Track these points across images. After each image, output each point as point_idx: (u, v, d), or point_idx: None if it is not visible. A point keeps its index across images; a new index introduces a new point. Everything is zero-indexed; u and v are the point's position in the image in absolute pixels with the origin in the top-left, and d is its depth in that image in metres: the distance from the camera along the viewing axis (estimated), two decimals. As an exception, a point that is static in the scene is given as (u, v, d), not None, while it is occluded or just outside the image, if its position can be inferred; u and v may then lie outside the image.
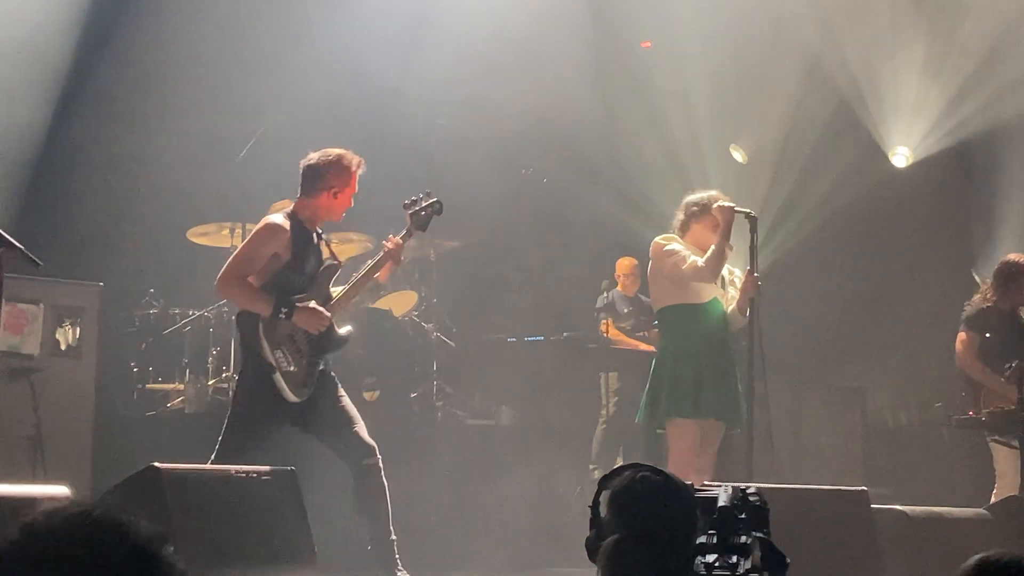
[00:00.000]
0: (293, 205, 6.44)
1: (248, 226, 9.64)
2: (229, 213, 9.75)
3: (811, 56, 11.22)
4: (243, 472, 5.61)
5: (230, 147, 10.20)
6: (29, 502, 4.74)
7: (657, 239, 7.47)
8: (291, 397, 6.21)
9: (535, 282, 11.19)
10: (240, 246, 6.53)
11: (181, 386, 9.38)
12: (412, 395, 9.82)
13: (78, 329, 8.23)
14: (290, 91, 10.46)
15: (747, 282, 7.40)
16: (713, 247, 7.23)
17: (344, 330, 6.49)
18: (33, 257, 5.45)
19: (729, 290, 7.53)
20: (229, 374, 9.35)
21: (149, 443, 8.45)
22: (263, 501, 5.55)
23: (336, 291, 6.53)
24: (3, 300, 5.38)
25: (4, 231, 5.50)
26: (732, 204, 7.35)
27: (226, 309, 9.52)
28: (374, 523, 6.26)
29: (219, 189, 10.01)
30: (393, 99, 10.59)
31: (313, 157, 6.43)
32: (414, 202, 6.65)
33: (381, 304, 9.88)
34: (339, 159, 6.38)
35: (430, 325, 10.08)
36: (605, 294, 10.70)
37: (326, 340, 6.34)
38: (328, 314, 6.30)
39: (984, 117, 11.12)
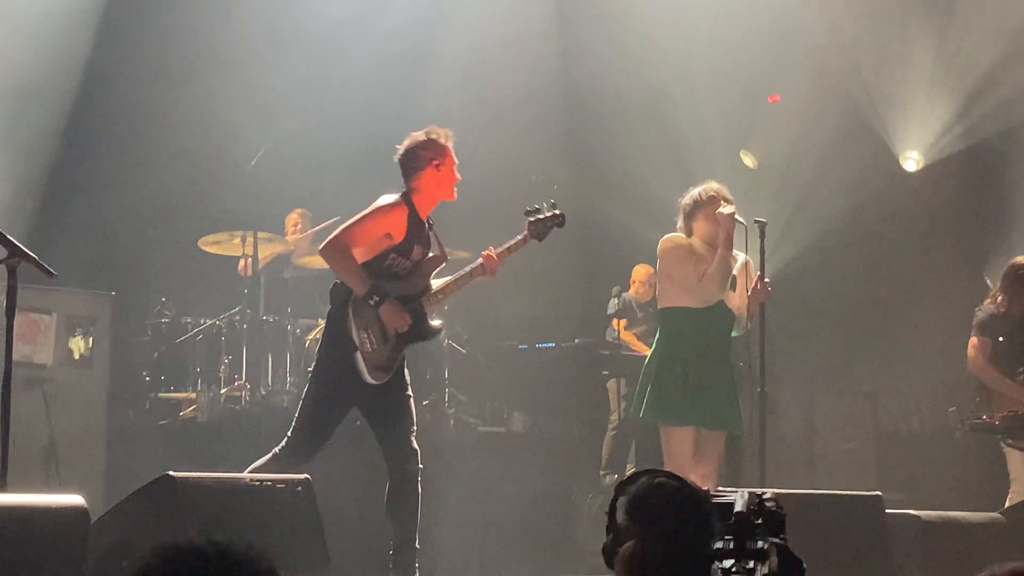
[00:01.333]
0: (404, 192, 6.45)
1: (260, 234, 9.70)
2: (240, 222, 9.77)
3: (821, 60, 11.22)
4: (258, 480, 5.62)
5: (241, 156, 10.22)
6: (43, 511, 4.75)
7: (665, 239, 7.36)
8: (368, 378, 6.24)
9: (545, 289, 11.18)
10: (357, 216, 6.42)
11: (193, 395, 9.39)
12: (424, 402, 9.82)
13: (90, 339, 8.27)
14: (301, 100, 10.48)
15: (757, 288, 7.36)
16: (716, 259, 7.16)
17: (436, 323, 6.58)
18: (47, 268, 5.47)
19: (738, 294, 7.44)
20: (241, 382, 9.36)
21: (161, 452, 8.48)
22: (278, 509, 5.55)
23: (436, 284, 6.57)
24: (16, 310, 5.39)
25: (18, 241, 5.52)
26: (733, 210, 7.23)
27: (237, 318, 9.54)
28: (402, 528, 6.28)
29: (231, 198, 10.03)
30: (404, 108, 10.60)
31: (402, 145, 6.49)
32: (536, 210, 6.74)
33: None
34: (427, 135, 6.46)
35: (442, 332, 10.08)
36: (617, 299, 10.69)
37: (415, 329, 6.38)
38: (409, 319, 6.31)
39: (995, 120, 11.10)
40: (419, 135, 6.45)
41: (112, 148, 10.24)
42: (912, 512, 7.01)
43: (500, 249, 6.66)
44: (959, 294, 9.55)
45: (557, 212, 6.74)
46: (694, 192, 7.37)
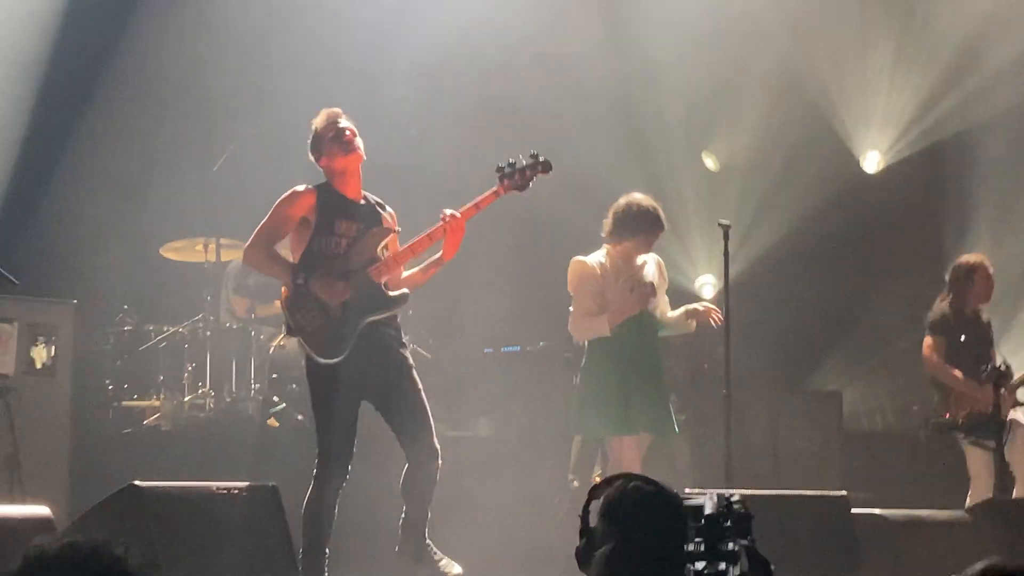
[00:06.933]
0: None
1: (222, 240, 9.66)
2: (202, 228, 9.73)
3: (781, 61, 11.27)
4: (224, 489, 5.59)
5: (203, 163, 10.18)
6: (7, 523, 4.71)
7: (574, 262, 7.42)
8: (320, 359, 6.14)
9: (511, 292, 11.17)
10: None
11: (157, 403, 9.33)
12: (389, 407, 9.80)
13: (53, 347, 8.19)
14: (264, 105, 10.43)
15: (699, 310, 7.42)
16: (595, 326, 7.26)
17: (397, 292, 6.39)
18: (9, 276, 5.44)
19: (660, 298, 7.50)
20: (205, 390, 9.32)
21: (126, 461, 8.42)
22: (245, 517, 5.53)
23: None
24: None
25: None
26: (644, 293, 7.24)
27: (200, 324, 9.49)
28: (414, 510, 6.37)
29: (192, 205, 9.98)
30: (369, 112, 10.56)
31: None
32: (509, 164, 6.45)
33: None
34: (312, 124, 6.45)
35: (406, 337, 10.04)
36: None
37: (367, 299, 6.27)
38: (345, 288, 6.19)
39: (955, 119, 11.20)
40: (314, 123, 6.44)
41: (71, 155, 10.17)
42: (877, 511, 7.06)
43: (466, 206, 6.43)
44: (920, 292, 9.62)
45: (539, 159, 6.46)
46: (635, 205, 7.32)
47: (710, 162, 11.87)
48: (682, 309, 7.47)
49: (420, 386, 6.40)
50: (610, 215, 7.38)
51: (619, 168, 10.77)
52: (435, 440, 6.34)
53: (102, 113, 10.34)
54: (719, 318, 7.39)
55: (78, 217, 10.16)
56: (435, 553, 6.37)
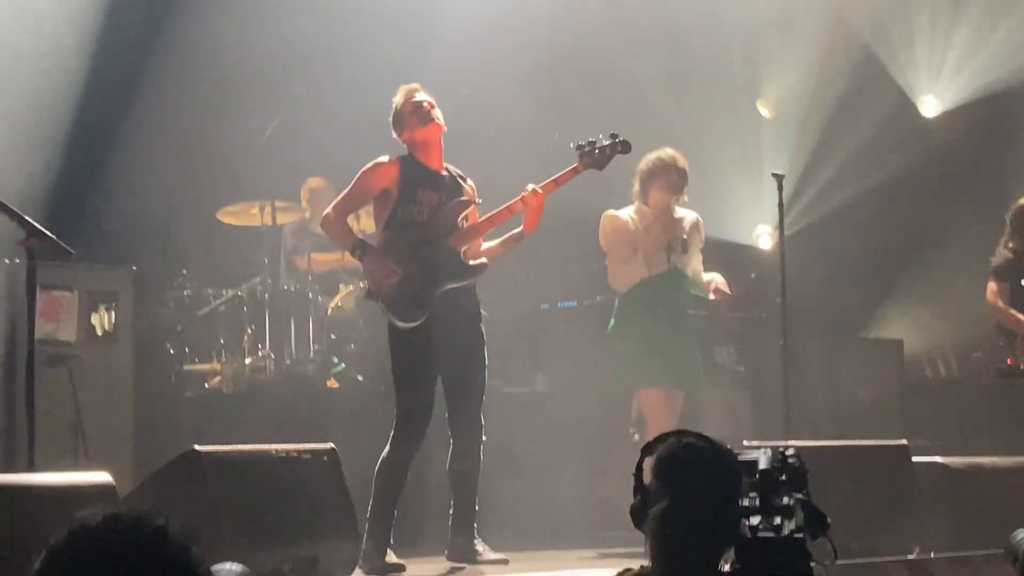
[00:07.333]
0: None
1: (277, 204, 9.70)
2: (258, 191, 9.77)
3: (836, 6, 11.13)
4: (284, 451, 5.64)
5: (256, 127, 10.20)
6: (71, 490, 4.76)
7: (604, 216, 7.68)
8: (398, 322, 6.38)
9: (567, 246, 11.16)
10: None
11: (218, 366, 9.39)
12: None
13: (113, 314, 8.27)
14: (315, 67, 10.44)
15: (710, 285, 7.57)
16: (632, 271, 7.52)
17: (476, 261, 6.62)
18: (64, 245, 5.49)
19: (692, 256, 7.63)
20: (265, 352, 9.37)
21: (189, 424, 8.51)
22: (305, 480, 5.57)
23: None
24: (37, 288, 5.42)
25: (35, 219, 5.54)
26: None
27: (259, 287, 9.54)
28: (461, 492, 6.54)
29: (247, 168, 10.01)
30: (415, 70, 10.54)
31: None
32: (589, 142, 6.77)
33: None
34: (393, 104, 6.71)
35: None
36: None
37: (447, 268, 6.49)
38: (395, 270, 6.38)
39: (1013, 61, 11.02)
40: (394, 100, 6.69)
41: (128, 123, 10.22)
42: (939, 459, 7.01)
43: (545, 182, 6.71)
44: (982, 239, 9.50)
45: (618, 139, 6.75)
46: (651, 157, 7.58)
47: (765, 110, 11.76)
48: (709, 276, 7.66)
49: (486, 362, 6.61)
50: (637, 173, 7.65)
51: (674, 119, 10.70)
52: (480, 414, 6.55)
53: (157, 80, 10.38)
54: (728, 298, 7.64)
55: (135, 184, 10.22)
56: (480, 552, 6.48)
